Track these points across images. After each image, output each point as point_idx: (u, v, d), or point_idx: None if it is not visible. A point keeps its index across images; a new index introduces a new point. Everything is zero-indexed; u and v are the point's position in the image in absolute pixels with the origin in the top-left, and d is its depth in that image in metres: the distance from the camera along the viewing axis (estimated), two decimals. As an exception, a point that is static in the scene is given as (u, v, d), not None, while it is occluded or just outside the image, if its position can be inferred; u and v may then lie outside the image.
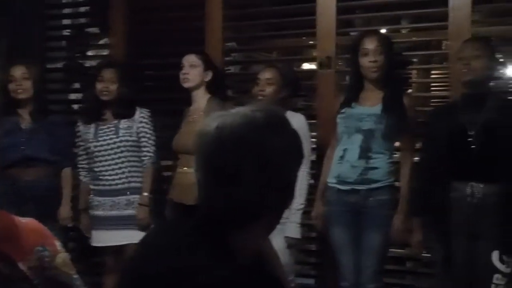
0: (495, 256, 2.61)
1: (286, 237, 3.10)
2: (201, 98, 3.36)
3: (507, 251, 2.61)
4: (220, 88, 3.47)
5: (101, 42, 4.62)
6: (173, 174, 3.40)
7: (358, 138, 2.98)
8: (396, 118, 2.95)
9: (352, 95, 3.09)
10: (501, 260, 2.60)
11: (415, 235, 2.91)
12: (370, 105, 3.02)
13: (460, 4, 3.24)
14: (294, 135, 1.18)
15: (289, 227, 3.10)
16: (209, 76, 3.38)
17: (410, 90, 5.47)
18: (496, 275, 2.60)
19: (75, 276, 1.89)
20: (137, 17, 4.17)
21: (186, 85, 3.35)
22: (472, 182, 2.69)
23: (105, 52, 4.44)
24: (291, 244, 3.14)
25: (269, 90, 3.20)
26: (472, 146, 2.70)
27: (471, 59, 2.74)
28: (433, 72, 5.58)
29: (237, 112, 1.14)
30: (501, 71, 4.05)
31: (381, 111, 2.97)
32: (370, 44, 3.00)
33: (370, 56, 2.99)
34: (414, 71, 5.56)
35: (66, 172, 3.56)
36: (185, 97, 3.42)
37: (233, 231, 1.11)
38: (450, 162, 2.76)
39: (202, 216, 1.14)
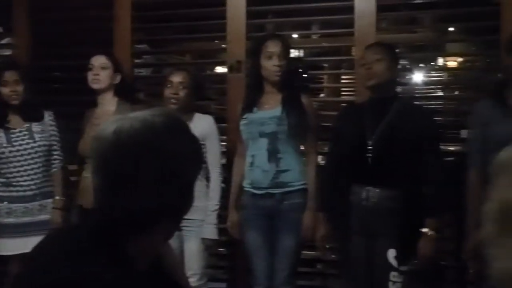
0: (390, 254, 2.70)
1: (203, 238, 3.11)
2: (109, 101, 3.31)
3: (403, 250, 2.69)
4: (128, 92, 3.41)
5: (3, 41, 4.41)
6: (79, 179, 3.30)
7: (264, 142, 3.00)
8: (297, 117, 2.98)
9: (253, 99, 3.09)
10: (397, 259, 2.69)
11: (319, 230, 2.96)
12: (270, 108, 3.04)
13: (365, 11, 3.34)
14: (193, 140, 1.19)
15: (205, 228, 3.11)
16: (118, 79, 3.34)
17: (322, 95, 5.63)
18: (393, 273, 2.69)
19: None
20: (41, 16, 4.03)
21: (96, 86, 3.29)
22: (368, 187, 2.76)
23: (7, 52, 4.25)
24: (209, 245, 3.15)
25: (182, 93, 3.17)
26: (369, 151, 2.77)
27: (372, 64, 2.82)
28: (343, 77, 5.73)
29: (136, 116, 1.12)
30: (406, 76, 4.23)
31: (281, 112, 2.99)
32: (274, 48, 3.01)
33: (274, 60, 3.00)
34: (325, 76, 5.71)
35: None
36: (89, 100, 3.34)
37: (130, 236, 1.09)
38: (349, 166, 2.82)
39: (98, 221, 1.11)
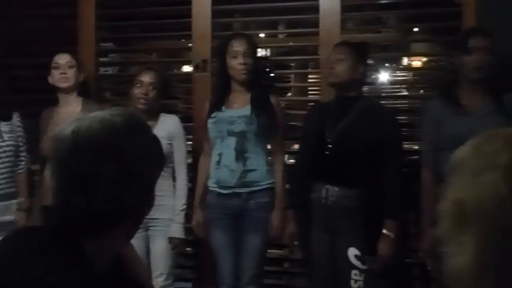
0: (351, 252, 2.73)
1: (171, 237, 3.10)
2: (74, 100, 3.30)
3: (364, 249, 2.72)
4: (90, 90, 3.39)
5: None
6: (41, 179, 3.26)
7: (232, 141, 3.00)
8: (266, 117, 3.00)
9: (220, 98, 3.10)
10: (358, 258, 2.72)
11: (288, 227, 2.97)
12: (239, 107, 3.05)
13: (329, 11, 3.35)
14: (154, 140, 1.18)
15: (173, 227, 3.10)
16: (81, 77, 3.35)
17: (289, 94, 5.64)
18: (354, 271, 2.72)
19: None
20: (3, 14, 3.94)
21: (64, 85, 3.29)
22: (328, 185, 2.78)
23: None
24: (177, 244, 3.14)
25: (152, 94, 3.14)
26: (329, 150, 2.79)
27: (334, 63, 2.84)
28: (310, 76, 5.75)
29: (95, 116, 1.11)
30: (372, 76, 4.26)
31: (250, 112, 3.00)
32: (239, 47, 3.02)
33: (240, 59, 3.01)
34: (292, 76, 5.72)
35: None
36: (52, 99, 3.29)
37: (88, 237, 1.09)
38: (311, 164, 2.84)
39: (56, 222, 1.10)
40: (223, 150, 3.02)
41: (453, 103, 2.77)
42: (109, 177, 1.06)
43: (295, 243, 3.00)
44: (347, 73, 2.82)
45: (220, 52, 3.10)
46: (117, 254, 1.20)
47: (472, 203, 0.82)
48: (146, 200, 1.16)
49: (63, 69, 3.28)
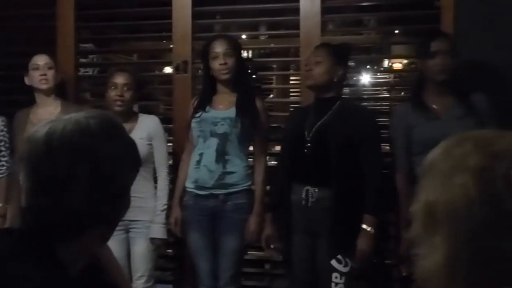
0: (331, 255, 2.72)
1: (152, 238, 3.09)
2: (52, 102, 3.30)
3: (343, 251, 2.72)
4: (67, 92, 3.40)
5: None
6: (17, 181, 3.21)
7: (214, 142, 3.00)
8: (250, 120, 3.01)
9: (206, 98, 3.11)
10: (338, 260, 2.72)
11: (265, 229, 2.97)
12: (224, 109, 3.06)
13: (310, 13, 3.35)
14: (129, 142, 1.17)
15: (154, 228, 3.09)
16: (59, 79, 3.35)
17: (271, 96, 5.65)
18: (335, 274, 2.72)
19: None
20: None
21: (45, 86, 3.28)
22: (307, 186, 2.78)
23: None
24: (158, 245, 3.13)
25: (127, 95, 3.13)
26: (306, 152, 2.79)
27: (311, 65, 2.84)
28: (292, 78, 5.76)
29: (70, 118, 1.11)
30: (353, 78, 4.28)
31: (235, 114, 3.00)
32: (219, 48, 3.05)
33: (220, 59, 3.03)
34: (274, 77, 5.74)
35: None
36: (26, 100, 3.28)
37: (63, 240, 1.08)
38: (290, 166, 2.84)
39: (29, 225, 1.09)
40: (204, 150, 3.02)
41: (422, 107, 2.78)
42: (83, 180, 1.05)
43: (272, 246, 2.98)
44: (324, 75, 2.82)
45: (203, 54, 3.13)
46: (93, 257, 1.19)
47: (443, 205, 0.82)
48: (121, 202, 1.15)
49: (43, 70, 3.25)
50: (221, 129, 3.00)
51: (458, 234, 0.80)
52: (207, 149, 3.01)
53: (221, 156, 2.99)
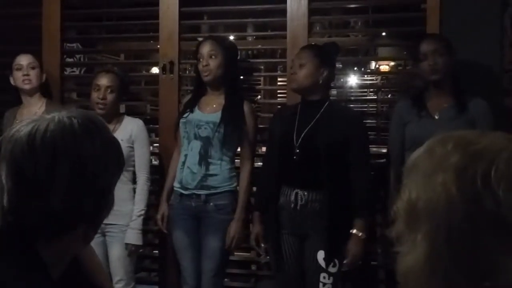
0: (320, 255, 2.72)
1: (127, 244, 3.05)
2: (36, 101, 3.28)
3: (332, 252, 2.72)
4: (52, 91, 3.38)
5: None
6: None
7: (197, 145, 3.00)
8: (234, 127, 2.99)
9: (194, 99, 3.11)
10: (327, 261, 2.72)
11: (253, 228, 2.96)
12: (210, 112, 3.05)
13: (297, 14, 3.36)
14: (112, 142, 1.16)
15: (128, 233, 3.05)
16: (44, 78, 3.32)
17: (259, 97, 5.65)
18: (323, 274, 2.72)
19: None
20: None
21: (28, 87, 3.26)
22: (297, 189, 2.77)
23: None
24: (132, 250, 3.08)
25: (110, 97, 3.10)
26: (296, 153, 2.78)
27: (295, 68, 2.84)
28: (279, 79, 5.78)
29: (53, 118, 1.09)
30: (339, 79, 4.31)
31: (219, 119, 2.99)
32: (203, 49, 3.04)
33: (203, 61, 3.02)
34: (262, 78, 5.74)
35: None
36: (13, 99, 3.25)
37: (44, 241, 1.06)
38: (279, 168, 2.84)
39: (10, 225, 1.06)
40: (188, 152, 3.02)
41: (419, 106, 2.82)
42: (66, 179, 1.04)
43: (262, 245, 2.98)
44: (308, 78, 2.81)
45: (194, 55, 3.13)
46: (76, 257, 1.18)
47: (424, 202, 0.83)
48: (104, 202, 1.14)
49: (25, 70, 3.23)
50: (204, 132, 2.99)
51: (439, 231, 0.81)
52: (191, 151, 3.01)
53: (203, 158, 2.98)
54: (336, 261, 2.72)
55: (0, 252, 1.03)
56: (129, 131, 3.10)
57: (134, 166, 3.11)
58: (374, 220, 3.07)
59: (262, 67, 5.47)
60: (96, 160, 1.08)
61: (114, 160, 1.15)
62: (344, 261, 2.72)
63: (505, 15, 3.06)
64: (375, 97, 5.96)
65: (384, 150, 3.96)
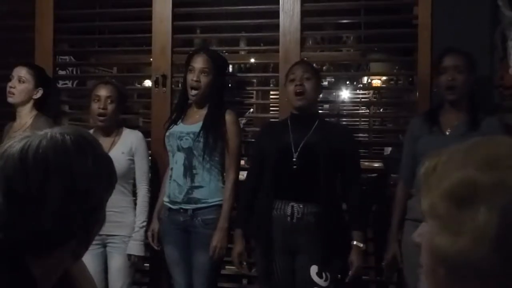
0: (313, 270, 2.71)
1: (129, 254, 3.05)
2: (26, 114, 3.26)
3: (325, 266, 2.71)
4: (50, 105, 3.36)
5: None
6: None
7: (181, 157, 2.99)
8: (215, 136, 2.97)
9: (178, 112, 3.11)
10: (319, 275, 2.71)
11: (235, 247, 2.94)
12: (191, 123, 3.04)
13: (290, 29, 3.37)
14: (104, 159, 1.16)
15: (131, 244, 3.05)
16: (39, 93, 3.28)
17: (251, 110, 5.66)
18: None
19: None
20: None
21: (10, 100, 3.25)
22: (292, 202, 2.76)
23: None
24: (135, 262, 3.09)
25: (110, 108, 3.10)
26: (293, 168, 2.78)
27: (302, 81, 2.81)
28: (272, 93, 5.79)
29: (45, 134, 1.09)
30: (331, 94, 4.33)
31: (200, 128, 2.98)
32: (195, 63, 3.03)
33: (194, 75, 3.01)
34: (254, 92, 5.75)
35: None
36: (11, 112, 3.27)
37: (34, 256, 1.06)
38: (273, 182, 2.82)
39: (0, 240, 1.06)
40: (173, 165, 3.03)
41: (431, 121, 2.80)
42: (57, 196, 1.04)
43: (244, 262, 2.96)
44: (315, 92, 2.86)
45: (185, 67, 3.10)
46: (66, 272, 1.17)
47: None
48: (95, 219, 1.13)
49: (12, 83, 3.22)
50: (185, 143, 2.99)
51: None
52: (175, 163, 3.01)
53: (188, 170, 2.98)
54: (328, 275, 2.71)
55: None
56: (129, 144, 3.10)
57: (134, 178, 3.11)
58: (367, 234, 3.08)
59: (255, 81, 5.49)
60: (88, 177, 1.08)
61: (106, 176, 1.15)
62: (349, 272, 2.73)
63: (496, 31, 3.08)
64: (367, 111, 5.98)
65: (376, 165, 3.98)
